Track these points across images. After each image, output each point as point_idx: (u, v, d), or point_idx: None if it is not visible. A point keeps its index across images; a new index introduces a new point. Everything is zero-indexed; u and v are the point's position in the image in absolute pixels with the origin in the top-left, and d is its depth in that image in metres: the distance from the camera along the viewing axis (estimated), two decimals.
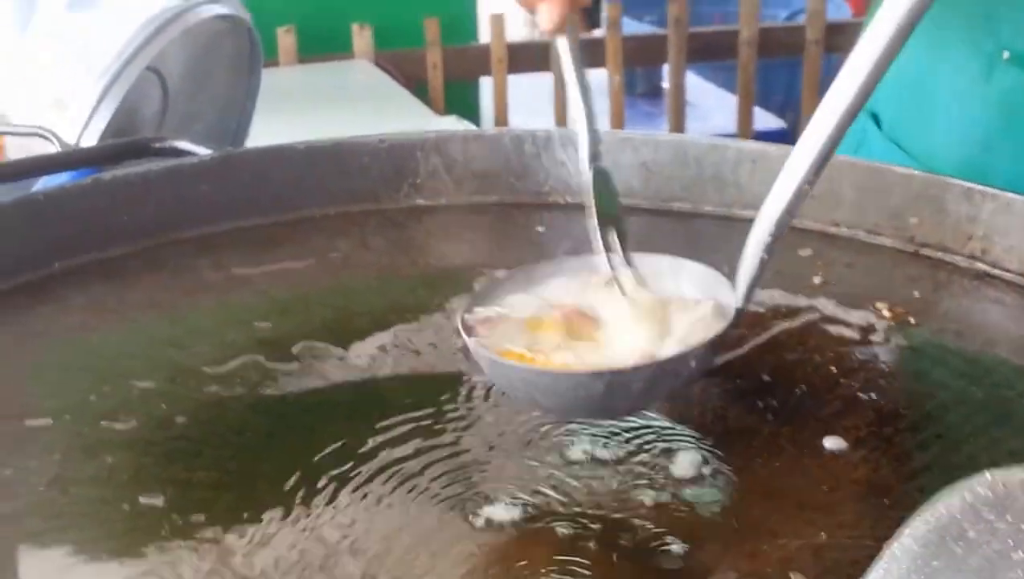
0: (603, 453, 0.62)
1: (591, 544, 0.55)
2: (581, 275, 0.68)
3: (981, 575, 0.40)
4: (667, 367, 0.60)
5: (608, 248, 0.69)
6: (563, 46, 0.76)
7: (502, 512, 0.57)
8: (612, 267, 0.68)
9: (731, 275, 0.64)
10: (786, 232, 0.62)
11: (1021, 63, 0.93)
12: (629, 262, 0.69)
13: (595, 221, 0.71)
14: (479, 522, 0.56)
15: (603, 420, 0.64)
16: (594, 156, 0.74)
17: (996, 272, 0.81)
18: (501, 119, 3.18)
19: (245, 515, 0.57)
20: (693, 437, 0.63)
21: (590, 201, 0.72)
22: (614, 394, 0.60)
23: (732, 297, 0.63)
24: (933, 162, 0.96)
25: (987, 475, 0.42)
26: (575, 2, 0.75)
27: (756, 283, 0.63)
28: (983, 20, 0.94)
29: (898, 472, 0.61)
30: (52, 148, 1.01)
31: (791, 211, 0.61)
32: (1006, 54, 0.93)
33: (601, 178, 0.74)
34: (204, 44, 1.17)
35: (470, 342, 0.61)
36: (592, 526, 0.56)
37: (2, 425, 0.66)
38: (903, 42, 0.58)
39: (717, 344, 0.62)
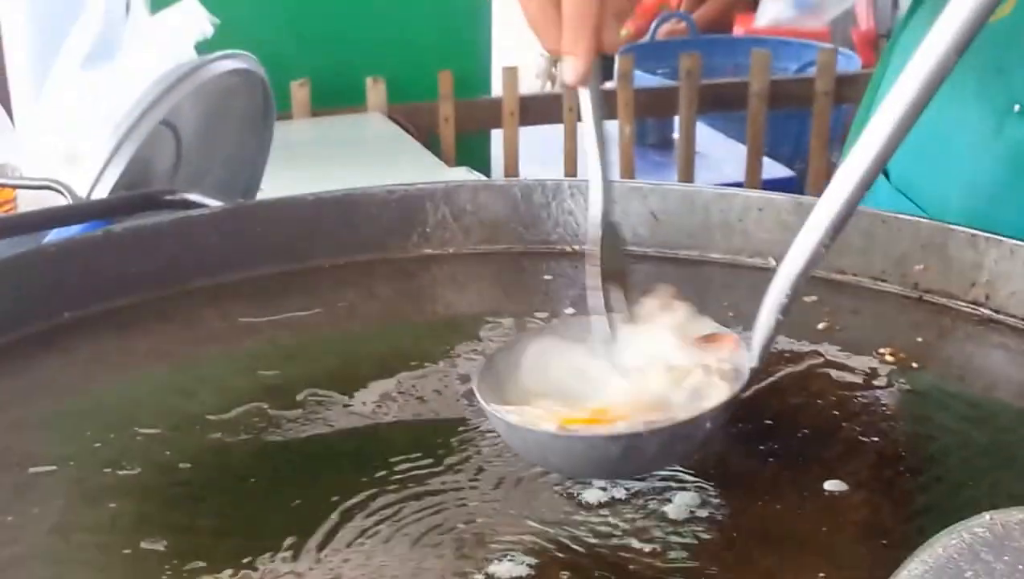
0: (604, 498, 0.62)
1: None
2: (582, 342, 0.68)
3: None
4: (682, 431, 0.60)
5: (609, 308, 0.69)
6: (584, 97, 0.75)
7: (506, 569, 0.56)
8: (609, 329, 0.68)
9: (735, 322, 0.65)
10: (801, 293, 0.62)
11: None
12: (631, 318, 0.69)
13: (597, 280, 0.71)
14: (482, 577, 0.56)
15: (614, 479, 0.64)
16: (606, 210, 0.74)
17: (1000, 317, 0.81)
18: (511, 170, 3.19)
19: (246, 561, 0.57)
20: (694, 480, 0.63)
21: (595, 256, 0.72)
22: (629, 457, 0.60)
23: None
24: (942, 214, 0.96)
25: (986, 516, 0.42)
26: (602, 48, 0.75)
27: (770, 343, 0.63)
28: (994, 73, 0.95)
29: (898, 514, 0.61)
30: (64, 202, 1.02)
31: (807, 272, 0.61)
32: (1016, 107, 0.94)
33: (610, 232, 0.74)
34: (218, 99, 1.18)
35: (486, 407, 0.62)
36: (593, 573, 0.56)
37: (6, 473, 0.66)
38: (925, 104, 0.58)
39: (732, 405, 0.62)
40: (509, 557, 0.57)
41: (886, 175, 1.06)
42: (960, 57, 0.57)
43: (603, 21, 0.73)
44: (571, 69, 0.74)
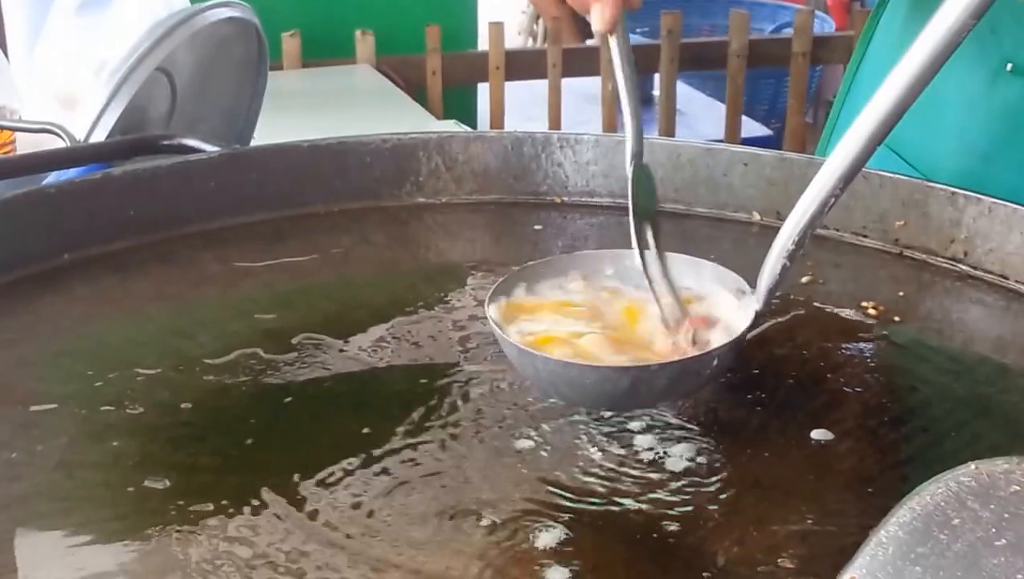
0: (595, 445, 0.63)
1: (585, 533, 0.56)
2: (596, 268, 0.70)
3: (965, 561, 0.41)
4: (691, 366, 0.62)
5: (643, 244, 0.70)
6: (614, 46, 0.76)
7: (498, 510, 0.58)
8: (643, 264, 0.69)
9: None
10: (808, 242, 0.63)
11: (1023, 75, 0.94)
12: (662, 258, 0.70)
13: (633, 216, 0.71)
14: (478, 521, 0.57)
15: (621, 411, 0.65)
16: (637, 153, 0.75)
17: (977, 273, 0.83)
18: (497, 123, 3.20)
19: (247, 500, 0.58)
20: (685, 428, 0.64)
21: (630, 196, 0.73)
22: (638, 389, 0.61)
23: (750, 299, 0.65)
24: (934, 172, 0.97)
25: (971, 466, 0.43)
26: (628, 3, 0.76)
27: (776, 288, 0.64)
28: (988, 33, 0.95)
29: (882, 463, 0.62)
30: (62, 145, 1.02)
31: (816, 222, 0.62)
32: (1009, 66, 0.94)
33: (642, 175, 0.75)
34: (213, 47, 1.18)
35: (498, 332, 0.63)
36: (585, 516, 0.57)
37: (9, 410, 0.67)
38: (940, 66, 0.59)
39: (739, 344, 0.63)
40: (503, 501, 0.58)
41: None
42: (978, 20, 0.58)
43: None
44: (600, 16, 0.74)
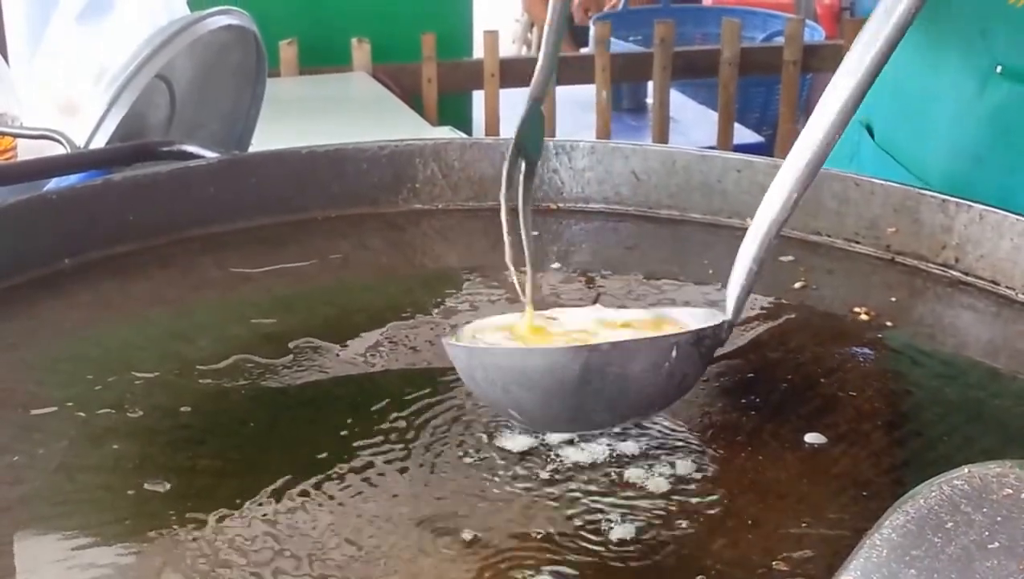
0: (588, 450, 0.63)
1: (579, 539, 0.56)
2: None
3: (958, 564, 0.41)
4: (644, 351, 0.59)
5: (513, 181, 0.72)
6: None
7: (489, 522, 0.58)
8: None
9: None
10: (772, 250, 0.63)
11: (1013, 77, 0.94)
12: (526, 203, 0.73)
13: (513, 152, 0.73)
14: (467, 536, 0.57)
15: (583, 430, 0.63)
16: (537, 98, 0.76)
17: (969, 279, 0.83)
18: (492, 130, 3.22)
19: (247, 503, 0.58)
20: (678, 432, 0.65)
21: (516, 132, 0.74)
22: (591, 381, 0.58)
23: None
24: (925, 174, 0.97)
25: (965, 469, 0.43)
26: None
27: (744, 298, 0.63)
28: (977, 35, 0.96)
29: (876, 467, 0.62)
30: (62, 151, 1.03)
31: (778, 228, 0.62)
32: (999, 68, 0.95)
33: (534, 116, 0.76)
34: (212, 54, 1.19)
35: (444, 340, 0.63)
36: (579, 521, 0.57)
37: (10, 413, 0.67)
38: (883, 63, 0.60)
39: (704, 347, 0.61)
40: (498, 512, 0.58)
41: (871, 134, 1.07)
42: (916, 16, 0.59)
43: None
44: None
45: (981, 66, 0.96)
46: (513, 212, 0.72)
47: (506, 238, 0.70)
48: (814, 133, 0.61)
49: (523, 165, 0.75)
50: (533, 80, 0.77)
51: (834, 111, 0.61)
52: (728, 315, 0.63)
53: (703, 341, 0.61)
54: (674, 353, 0.59)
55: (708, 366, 0.63)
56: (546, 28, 0.78)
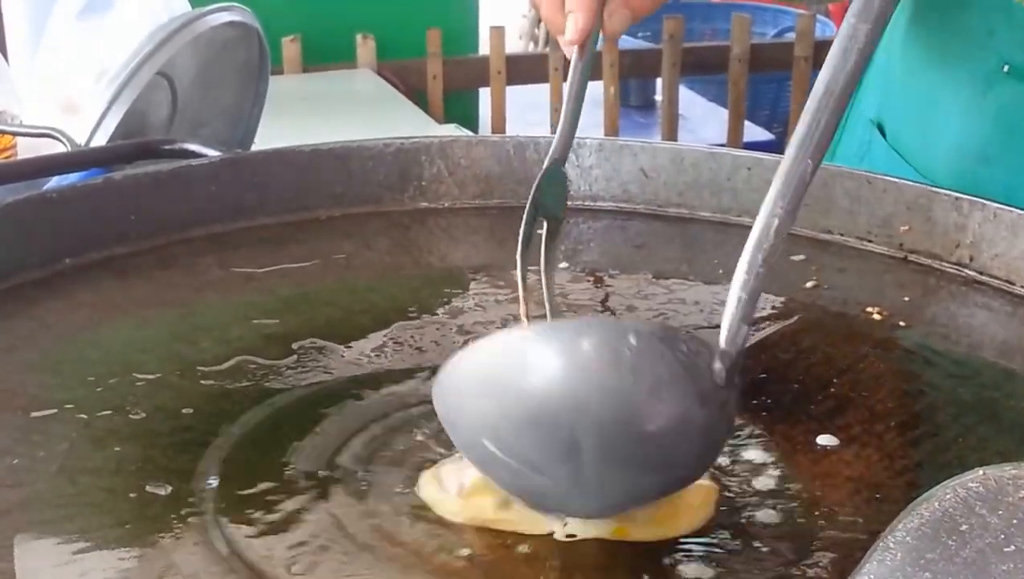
0: None
1: (588, 546, 0.56)
2: None
3: (973, 567, 0.41)
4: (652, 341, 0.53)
5: (527, 240, 0.71)
6: (575, 62, 0.77)
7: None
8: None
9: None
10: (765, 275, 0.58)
11: (1020, 77, 0.94)
12: (550, 263, 0.71)
13: (529, 211, 0.72)
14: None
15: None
16: (558, 159, 0.75)
17: (983, 279, 0.83)
18: (498, 127, 3.22)
19: (250, 505, 0.58)
20: None
21: (532, 192, 0.73)
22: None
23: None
24: (933, 173, 0.97)
25: (979, 472, 0.43)
26: (633, 9, 0.76)
27: (739, 327, 0.56)
28: (984, 34, 0.95)
29: (890, 469, 0.62)
30: (63, 149, 1.02)
31: (774, 247, 0.58)
32: (1005, 68, 0.94)
33: (555, 176, 0.75)
34: (214, 51, 1.18)
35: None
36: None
37: (10, 416, 0.66)
38: (863, 67, 0.60)
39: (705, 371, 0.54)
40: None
41: (882, 133, 1.07)
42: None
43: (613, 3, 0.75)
44: (574, 26, 0.75)
45: (987, 65, 0.95)
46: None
47: (521, 296, 0.69)
48: (800, 146, 0.62)
49: (544, 226, 0.74)
50: (554, 142, 0.75)
51: (819, 122, 0.62)
52: (722, 344, 0.56)
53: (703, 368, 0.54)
54: (685, 347, 0.53)
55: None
56: (566, 89, 0.77)
